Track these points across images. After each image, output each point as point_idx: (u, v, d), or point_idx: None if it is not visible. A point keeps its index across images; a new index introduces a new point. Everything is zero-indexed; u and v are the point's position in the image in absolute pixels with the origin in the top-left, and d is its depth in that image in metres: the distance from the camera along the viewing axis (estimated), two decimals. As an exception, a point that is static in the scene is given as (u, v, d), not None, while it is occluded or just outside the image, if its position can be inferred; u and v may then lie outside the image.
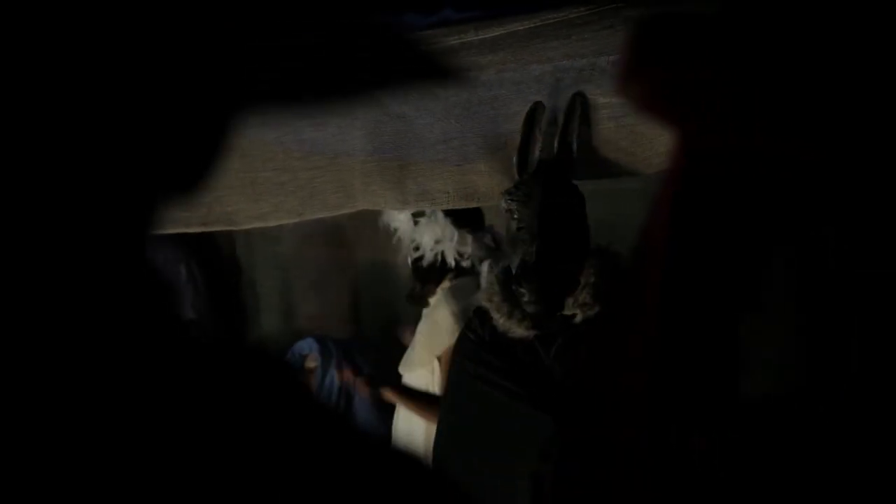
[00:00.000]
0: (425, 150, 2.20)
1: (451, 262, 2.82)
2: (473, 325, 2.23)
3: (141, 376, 0.47)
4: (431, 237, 2.83)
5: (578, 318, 2.10)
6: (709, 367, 1.01)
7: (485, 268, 2.49)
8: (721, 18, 0.95)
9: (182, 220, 2.33)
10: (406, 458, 0.56)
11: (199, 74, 0.51)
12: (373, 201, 2.31)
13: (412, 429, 2.81)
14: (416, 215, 2.82)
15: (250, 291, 4.00)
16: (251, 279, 3.99)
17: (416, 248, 2.86)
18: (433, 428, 2.46)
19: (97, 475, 0.45)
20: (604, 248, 2.15)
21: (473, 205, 2.44)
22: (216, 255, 3.81)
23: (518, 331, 2.11)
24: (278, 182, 2.29)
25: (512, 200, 2.12)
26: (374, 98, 2.14)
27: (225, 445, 0.48)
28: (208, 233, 2.69)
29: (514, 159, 2.14)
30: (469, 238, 2.82)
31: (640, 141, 2.09)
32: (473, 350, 2.22)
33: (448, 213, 2.78)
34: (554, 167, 2.12)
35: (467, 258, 2.82)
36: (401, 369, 2.90)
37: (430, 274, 2.86)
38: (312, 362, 3.41)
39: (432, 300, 2.87)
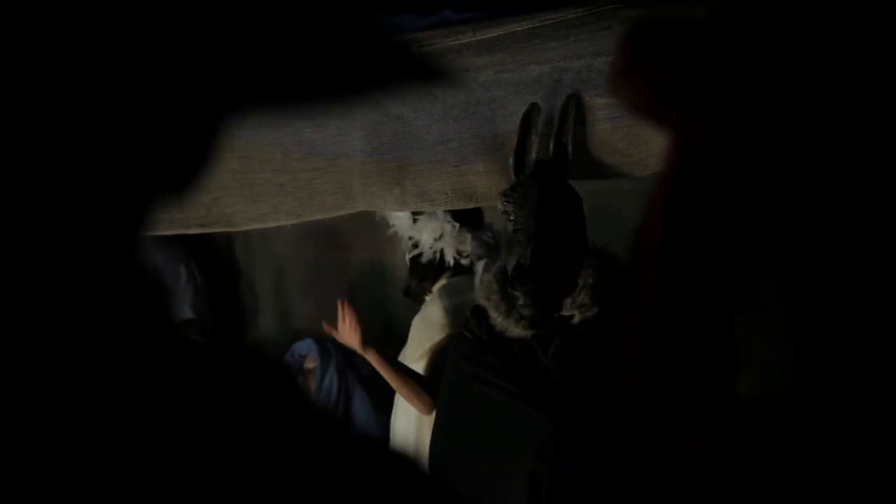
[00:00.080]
0: (423, 151, 2.20)
1: (449, 260, 2.82)
2: (471, 324, 2.23)
3: (134, 375, 0.47)
4: (431, 235, 2.83)
5: (576, 319, 2.10)
6: (706, 367, 1.01)
7: (480, 267, 2.48)
8: (717, 19, 0.95)
9: (181, 222, 2.33)
10: (403, 460, 0.56)
11: (194, 74, 0.51)
12: (372, 202, 2.31)
13: (410, 429, 2.81)
14: (416, 213, 2.82)
15: (249, 292, 4.00)
16: (250, 280, 3.99)
17: (415, 246, 2.86)
18: (430, 428, 2.46)
19: (89, 474, 0.45)
20: (601, 249, 2.15)
21: (472, 205, 2.44)
22: (215, 256, 3.81)
23: (516, 330, 2.11)
24: (277, 183, 2.28)
25: (508, 202, 2.12)
26: (372, 99, 2.14)
27: (221, 445, 0.48)
28: (207, 234, 2.70)
29: (511, 160, 2.14)
30: (468, 236, 2.82)
31: (637, 142, 2.09)
32: (470, 349, 2.22)
33: (447, 211, 2.77)
34: (550, 168, 2.12)
35: (466, 256, 2.82)
36: None
37: (427, 271, 2.86)
38: (312, 363, 3.41)
39: (429, 296, 2.87)
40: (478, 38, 1.96)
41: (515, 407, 2.12)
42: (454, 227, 2.80)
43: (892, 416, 1.01)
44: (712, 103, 0.94)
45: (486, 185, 2.21)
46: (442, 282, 2.86)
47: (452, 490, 0.61)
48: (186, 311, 3.53)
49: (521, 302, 2.08)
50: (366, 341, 2.77)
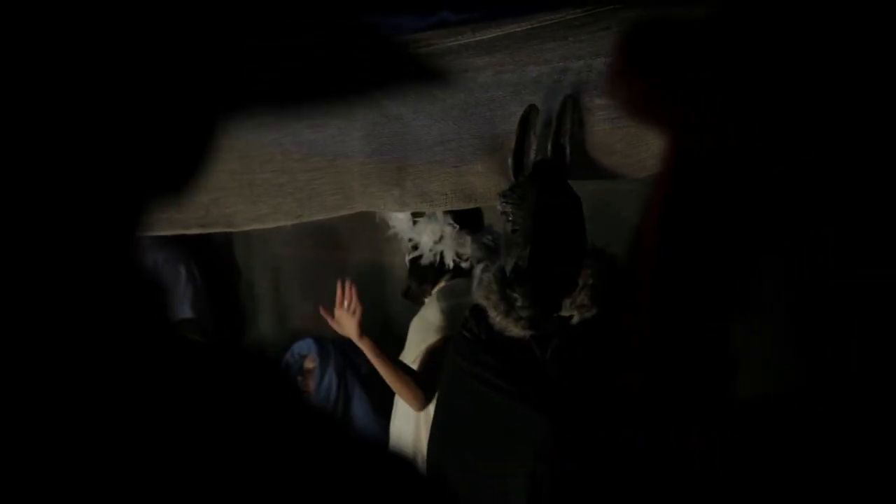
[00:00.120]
0: (423, 151, 2.21)
1: (449, 262, 2.82)
2: (469, 323, 2.23)
3: (131, 376, 0.47)
4: (430, 237, 2.83)
5: (575, 320, 2.10)
6: (705, 367, 1.01)
7: (478, 270, 2.47)
8: (715, 19, 0.95)
9: (180, 222, 2.33)
10: (401, 460, 0.56)
11: (193, 74, 0.51)
12: (371, 203, 2.31)
13: (409, 429, 2.81)
14: (416, 215, 2.82)
15: (248, 292, 4.00)
16: (249, 280, 3.99)
17: (415, 248, 2.85)
18: (429, 428, 2.47)
19: (86, 475, 0.45)
20: (601, 250, 2.15)
21: (471, 206, 2.44)
22: (215, 257, 3.82)
23: (514, 330, 2.11)
24: (277, 184, 2.28)
25: (507, 203, 2.12)
26: (372, 99, 2.14)
27: (218, 446, 0.48)
28: (207, 234, 2.70)
29: (510, 161, 2.13)
30: (468, 239, 2.82)
31: (636, 142, 2.09)
32: (469, 348, 2.22)
33: (448, 213, 2.77)
34: (549, 169, 2.12)
35: (466, 259, 2.82)
36: None
37: (427, 274, 2.86)
38: (311, 363, 3.41)
39: (427, 299, 2.87)
40: (477, 38, 1.96)
41: (514, 407, 2.12)
42: (454, 229, 2.80)
43: (892, 417, 1.01)
44: (710, 104, 0.94)
45: (486, 186, 2.22)
46: (441, 284, 2.86)
47: (450, 489, 0.61)
48: (186, 311, 3.53)
49: (519, 303, 2.08)
50: (363, 329, 2.74)
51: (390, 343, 3.08)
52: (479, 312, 2.19)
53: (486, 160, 2.20)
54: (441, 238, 2.82)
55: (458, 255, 2.82)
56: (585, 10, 1.83)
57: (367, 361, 2.82)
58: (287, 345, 3.53)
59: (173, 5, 0.49)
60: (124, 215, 0.51)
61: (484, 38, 1.93)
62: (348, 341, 2.87)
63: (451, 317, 2.68)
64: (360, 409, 3.35)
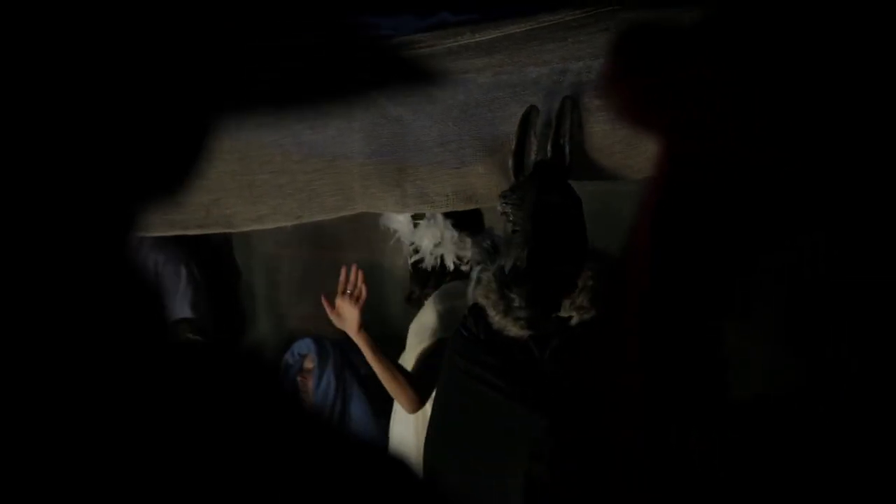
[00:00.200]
0: (423, 152, 2.20)
1: (450, 265, 2.82)
2: (468, 322, 2.22)
3: (127, 377, 0.47)
4: (431, 240, 2.82)
5: (574, 321, 2.10)
6: (701, 368, 1.01)
7: (474, 274, 2.46)
8: (706, 27, 0.95)
9: (180, 223, 2.33)
10: (398, 461, 0.56)
11: (190, 74, 0.51)
12: (372, 204, 2.31)
13: (409, 431, 2.80)
14: (416, 218, 2.81)
15: (248, 292, 4.00)
16: (248, 280, 3.99)
17: (416, 251, 2.85)
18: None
19: (82, 475, 0.44)
20: (602, 252, 2.15)
21: (473, 206, 2.43)
22: (215, 257, 3.82)
23: (513, 330, 2.11)
24: (276, 184, 2.28)
25: (506, 203, 2.12)
26: (371, 100, 2.14)
27: (214, 447, 0.48)
28: (206, 235, 2.69)
29: (510, 162, 2.13)
30: (468, 241, 2.82)
31: (636, 144, 2.09)
32: (467, 347, 2.21)
33: (448, 216, 2.77)
34: (548, 170, 2.11)
35: (466, 262, 2.81)
36: None
37: (430, 278, 2.85)
38: (310, 363, 3.42)
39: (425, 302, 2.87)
40: (476, 39, 1.96)
41: (512, 406, 2.12)
42: (454, 232, 2.80)
43: (888, 416, 1.01)
44: (701, 110, 0.94)
45: (487, 187, 2.21)
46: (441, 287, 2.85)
47: (448, 489, 0.61)
48: (187, 311, 3.53)
49: (516, 303, 2.07)
50: (363, 322, 2.69)
51: (389, 344, 3.08)
52: (478, 311, 2.19)
53: (486, 161, 2.19)
54: (441, 241, 2.82)
55: (459, 258, 2.81)
56: (585, 11, 1.83)
57: (366, 362, 2.81)
58: (286, 345, 3.53)
59: (173, 5, 0.49)
60: (119, 215, 0.51)
61: (483, 39, 1.93)
62: (347, 341, 2.84)
63: (447, 319, 2.67)
64: (358, 410, 3.35)
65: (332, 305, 2.75)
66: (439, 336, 2.67)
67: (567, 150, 2.10)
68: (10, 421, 0.44)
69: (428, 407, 2.63)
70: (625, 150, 2.11)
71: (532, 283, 2.06)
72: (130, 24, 0.47)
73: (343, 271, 2.76)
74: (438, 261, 2.82)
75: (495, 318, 2.12)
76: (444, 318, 2.70)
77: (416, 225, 2.83)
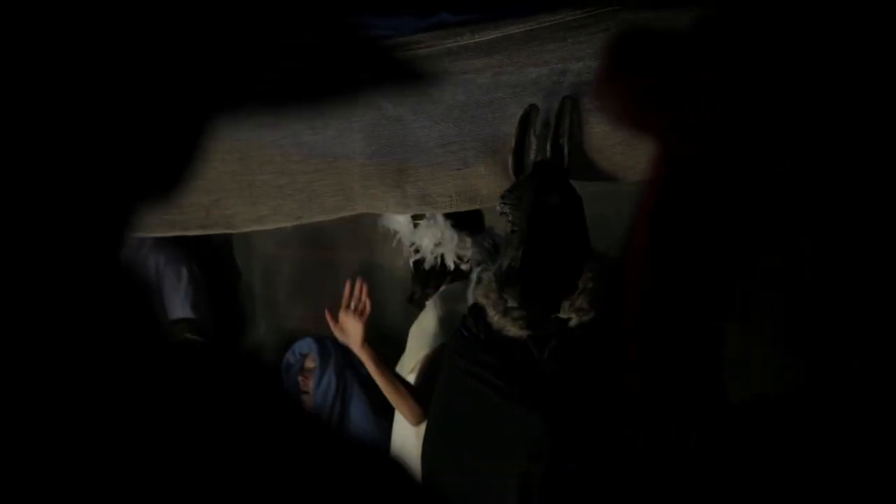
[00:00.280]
0: (424, 153, 2.20)
1: (450, 265, 2.82)
2: (468, 322, 2.22)
3: (123, 378, 0.47)
4: (431, 240, 2.82)
5: (573, 323, 2.09)
6: (698, 368, 1.01)
7: (474, 275, 2.45)
8: (700, 31, 0.96)
9: (181, 224, 2.33)
10: (395, 463, 0.56)
11: (192, 74, 0.51)
12: (373, 205, 2.31)
13: (410, 433, 2.80)
14: (416, 218, 2.81)
15: (248, 292, 4.00)
16: (248, 281, 3.99)
17: (416, 251, 2.85)
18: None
19: (77, 476, 0.44)
20: (603, 253, 2.14)
21: (476, 207, 2.43)
22: (215, 257, 3.82)
23: (512, 330, 2.10)
24: (276, 185, 2.28)
25: (505, 203, 2.12)
26: (371, 100, 2.14)
27: (212, 447, 0.48)
28: (206, 235, 2.70)
29: (510, 162, 2.13)
30: (469, 241, 2.81)
31: (636, 144, 2.09)
32: (466, 347, 2.21)
33: (448, 216, 2.77)
34: (547, 170, 2.11)
35: (467, 261, 2.81)
36: (396, 371, 2.89)
37: (430, 277, 2.85)
38: (311, 362, 3.42)
39: (427, 303, 2.87)
40: (476, 40, 1.96)
41: (510, 406, 2.12)
42: (454, 232, 2.80)
43: (888, 416, 1.01)
44: (701, 111, 0.94)
45: (489, 188, 2.21)
46: (442, 288, 2.85)
47: (447, 488, 0.61)
48: (188, 312, 3.54)
49: (510, 303, 2.07)
50: (367, 336, 2.68)
51: (388, 345, 3.08)
52: (477, 311, 2.18)
53: (488, 162, 2.19)
54: (441, 241, 2.82)
55: (459, 258, 2.81)
56: (585, 11, 1.83)
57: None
58: (287, 345, 3.53)
59: (173, 5, 0.49)
60: (116, 215, 0.51)
61: (483, 39, 1.93)
62: None
63: (447, 324, 2.66)
64: (358, 410, 3.35)
65: (336, 319, 2.75)
66: (440, 342, 2.66)
67: (566, 150, 2.09)
68: (7, 422, 0.44)
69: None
70: (625, 150, 2.11)
71: (525, 283, 2.05)
72: (129, 23, 0.47)
73: (347, 285, 2.75)
74: (439, 260, 2.82)
75: (495, 317, 2.11)
76: (445, 322, 2.69)
77: (416, 225, 2.83)
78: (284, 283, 3.93)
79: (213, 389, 0.50)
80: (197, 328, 3.47)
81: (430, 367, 2.66)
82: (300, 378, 3.40)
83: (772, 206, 0.98)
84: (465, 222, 2.79)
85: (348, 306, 2.71)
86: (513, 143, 2.11)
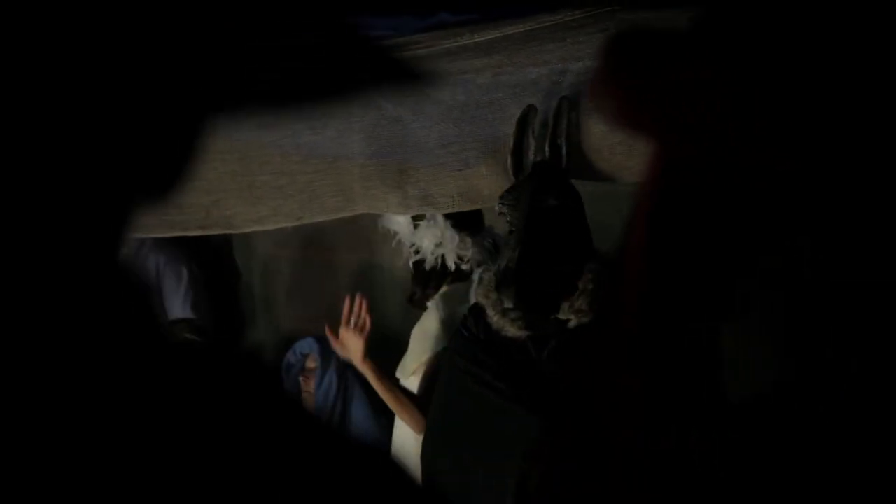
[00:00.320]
0: (425, 154, 2.20)
1: (451, 265, 2.82)
2: (468, 322, 2.22)
3: (122, 377, 0.47)
4: (431, 241, 2.82)
5: (572, 324, 2.08)
6: (698, 368, 1.01)
7: (476, 274, 2.46)
8: (697, 30, 0.96)
9: (181, 224, 2.33)
10: (396, 463, 0.56)
11: (189, 75, 0.51)
12: (373, 205, 2.31)
13: (410, 433, 2.80)
14: (416, 218, 2.81)
15: (248, 293, 4.00)
16: (248, 281, 3.99)
17: (417, 252, 2.85)
18: None
19: (76, 476, 0.44)
20: (604, 255, 2.13)
21: (479, 207, 2.43)
22: (216, 258, 3.83)
23: (511, 330, 2.10)
24: (276, 185, 2.28)
25: (503, 204, 2.11)
26: (371, 101, 2.14)
27: (212, 448, 0.48)
28: (206, 236, 2.70)
29: (509, 162, 2.13)
30: (469, 241, 2.81)
31: (635, 145, 2.09)
32: (466, 347, 2.21)
33: (448, 216, 2.77)
34: (545, 170, 2.10)
35: (467, 261, 2.81)
36: (397, 374, 2.89)
37: (431, 278, 2.85)
38: (313, 362, 3.42)
39: (429, 304, 2.87)
40: (475, 40, 1.96)
41: (508, 407, 2.12)
42: (454, 232, 2.80)
43: (889, 416, 1.01)
44: (701, 111, 0.94)
45: (492, 188, 2.20)
46: (443, 289, 2.85)
47: (446, 488, 0.61)
48: (188, 312, 3.54)
49: (505, 304, 2.06)
50: (368, 351, 2.72)
51: (388, 346, 3.08)
52: (478, 311, 2.18)
53: (489, 163, 2.19)
54: (442, 241, 2.81)
55: (460, 258, 2.81)
56: (584, 11, 1.83)
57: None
58: (286, 345, 3.53)
59: (173, 5, 0.49)
60: (113, 215, 0.51)
61: (482, 39, 1.93)
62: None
63: (449, 326, 2.66)
64: (359, 409, 3.36)
65: (336, 335, 2.77)
66: (443, 344, 2.66)
67: (564, 150, 2.08)
68: (6, 422, 0.44)
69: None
70: (625, 151, 2.11)
71: (520, 284, 2.04)
72: (129, 23, 0.47)
73: (347, 301, 2.77)
74: (439, 261, 2.82)
75: (494, 318, 2.11)
76: (448, 323, 2.69)
77: (416, 226, 2.83)
78: (284, 283, 3.94)
79: (213, 390, 0.50)
80: (197, 328, 3.47)
81: (434, 371, 2.66)
82: (301, 378, 3.41)
83: (772, 206, 0.98)
84: (465, 222, 2.79)
85: (348, 322, 2.73)
86: (511, 144, 2.11)
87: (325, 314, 2.95)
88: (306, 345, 3.43)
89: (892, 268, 0.98)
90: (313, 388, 3.35)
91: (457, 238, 2.80)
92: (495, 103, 2.13)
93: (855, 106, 0.93)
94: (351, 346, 2.74)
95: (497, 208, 2.14)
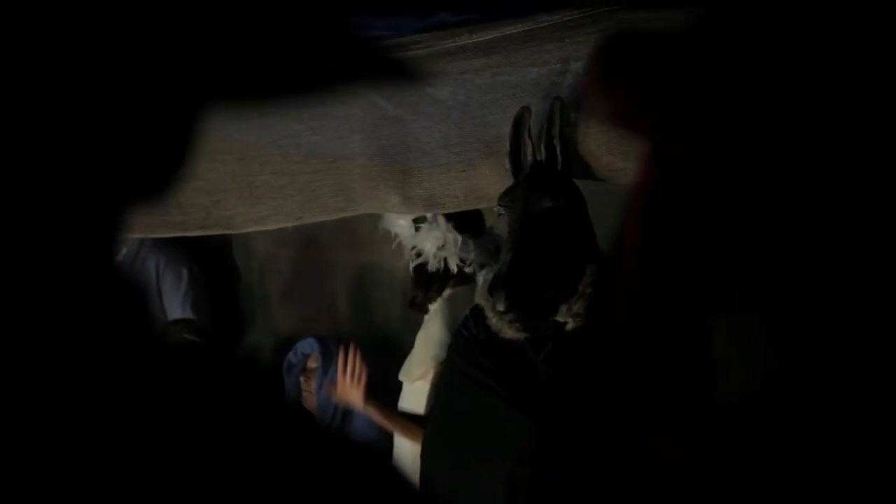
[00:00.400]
0: (427, 154, 2.20)
1: (453, 268, 2.80)
2: (469, 322, 2.22)
3: (122, 378, 0.47)
4: (434, 244, 2.81)
5: (570, 327, 2.06)
6: (697, 368, 1.01)
7: (480, 279, 2.45)
8: (693, 29, 0.95)
9: (181, 224, 2.33)
10: (395, 464, 0.56)
11: (187, 75, 0.50)
12: (377, 205, 2.31)
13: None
14: (417, 221, 2.80)
15: (247, 293, 4.00)
16: (248, 281, 3.99)
17: (418, 255, 2.83)
18: None
19: (75, 477, 0.44)
20: (606, 256, 2.11)
21: (483, 206, 2.42)
22: (216, 258, 3.83)
23: (509, 332, 2.09)
24: (277, 185, 2.28)
25: (501, 206, 2.10)
26: (371, 100, 2.14)
27: (211, 448, 0.48)
28: (207, 236, 2.70)
29: (507, 164, 2.12)
30: (471, 244, 2.80)
31: (631, 144, 2.08)
32: (466, 347, 2.21)
33: (449, 219, 2.76)
34: (541, 172, 2.08)
35: (470, 264, 2.80)
36: (401, 377, 2.89)
37: (433, 281, 2.84)
38: (314, 362, 3.42)
39: (433, 307, 2.85)
40: (474, 40, 1.96)
41: (504, 408, 2.11)
42: (456, 235, 2.79)
43: (889, 416, 1.01)
44: (687, 113, 0.94)
45: (495, 188, 2.19)
46: (446, 293, 2.83)
47: (446, 488, 0.61)
48: (188, 312, 3.54)
49: (499, 307, 2.04)
50: (367, 397, 2.79)
51: (388, 347, 3.08)
52: (478, 312, 2.18)
53: (492, 163, 2.18)
54: (444, 244, 2.80)
55: (462, 261, 2.80)
56: (583, 11, 1.83)
57: (368, 362, 2.82)
58: (286, 345, 3.53)
59: (173, 5, 0.49)
60: (107, 216, 0.50)
61: (481, 39, 1.93)
62: (350, 341, 2.86)
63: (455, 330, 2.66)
64: (358, 413, 3.35)
65: (335, 386, 2.85)
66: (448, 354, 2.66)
67: (558, 151, 2.07)
68: (4, 423, 0.44)
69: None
70: (625, 151, 2.11)
71: (510, 288, 2.01)
72: (129, 23, 0.47)
73: (340, 356, 2.86)
74: (442, 264, 2.81)
75: (492, 319, 2.10)
76: (453, 328, 2.67)
77: (417, 229, 2.82)
78: (284, 283, 3.94)
79: (213, 390, 0.50)
80: (197, 329, 3.47)
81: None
82: (302, 378, 3.41)
83: (772, 206, 0.98)
84: (467, 225, 2.78)
85: (344, 374, 2.83)
86: (508, 146, 2.10)
87: (325, 314, 2.96)
88: (307, 345, 3.43)
89: (892, 268, 0.98)
90: (314, 389, 3.35)
91: (459, 241, 2.79)
92: (495, 103, 2.13)
93: (855, 106, 0.93)
94: (351, 395, 2.83)
95: (496, 209, 2.13)
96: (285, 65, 1.80)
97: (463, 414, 2.22)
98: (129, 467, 0.45)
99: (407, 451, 2.73)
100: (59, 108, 0.46)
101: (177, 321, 3.45)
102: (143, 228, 2.34)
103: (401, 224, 2.83)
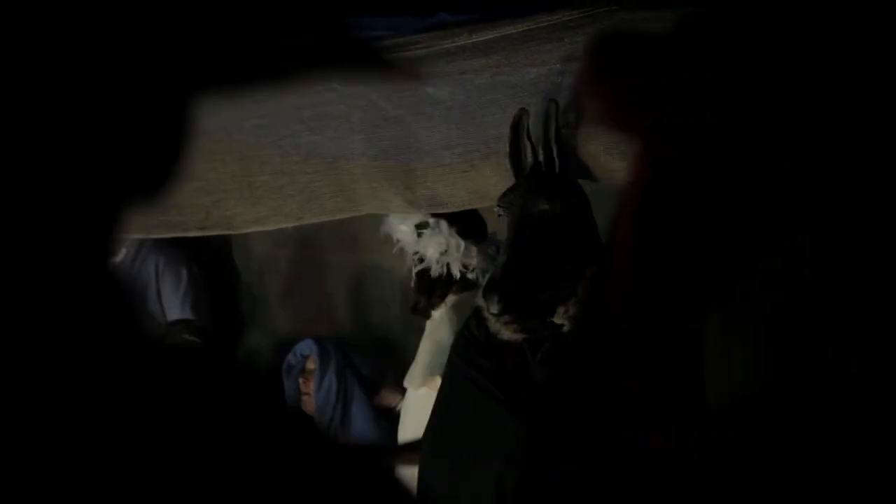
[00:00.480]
0: (429, 155, 2.20)
1: (456, 274, 2.80)
2: (471, 323, 2.22)
3: (121, 378, 0.47)
4: (436, 249, 2.80)
5: (567, 328, 2.06)
6: (696, 369, 1.01)
7: (484, 280, 2.45)
8: (702, 29, 0.95)
9: (180, 225, 2.33)
10: (387, 470, 0.56)
11: (185, 75, 0.50)
12: (380, 206, 2.30)
13: (413, 433, 2.78)
14: (420, 227, 2.79)
15: (247, 293, 4.01)
16: (248, 282, 4.00)
17: (421, 260, 2.82)
18: None
19: (74, 477, 0.44)
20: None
21: (487, 205, 2.41)
22: (216, 258, 3.83)
23: (506, 333, 2.09)
24: (276, 186, 2.29)
25: (500, 207, 2.10)
26: (370, 101, 2.14)
27: (211, 448, 0.48)
28: (207, 236, 2.70)
29: (508, 165, 2.12)
30: (474, 249, 2.79)
31: (629, 144, 2.07)
32: (466, 348, 2.21)
33: (452, 224, 2.75)
34: (538, 174, 2.08)
35: (472, 269, 2.80)
36: (405, 384, 2.88)
37: (435, 287, 2.83)
38: (312, 364, 3.42)
39: (436, 314, 2.85)
40: (473, 40, 1.96)
41: (498, 409, 2.12)
42: (459, 240, 2.78)
43: (889, 416, 1.01)
44: (686, 112, 0.94)
45: (498, 188, 2.18)
46: (450, 299, 2.83)
47: (445, 488, 0.61)
48: (187, 312, 3.54)
49: (492, 310, 2.03)
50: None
51: (389, 347, 3.08)
52: (479, 314, 2.18)
53: (494, 163, 2.18)
54: (447, 249, 2.80)
55: (465, 266, 2.80)
56: (582, 11, 1.83)
57: (368, 362, 2.81)
58: (286, 346, 3.53)
59: (173, 5, 0.49)
60: (104, 216, 0.50)
61: (480, 39, 1.93)
62: (350, 341, 2.85)
63: None
64: (359, 411, 3.36)
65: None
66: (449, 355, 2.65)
67: (555, 153, 2.06)
68: (4, 424, 0.44)
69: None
70: (623, 152, 2.11)
71: (503, 291, 2.00)
72: (129, 24, 0.47)
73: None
74: (445, 269, 2.80)
75: (491, 321, 2.10)
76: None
77: (419, 234, 2.81)
78: (284, 284, 3.94)
79: (212, 391, 0.50)
80: (196, 329, 3.48)
81: None
82: (301, 380, 3.41)
83: (772, 206, 0.98)
84: (469, 230, 2.77)
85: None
86: (507, 147, 2.09)
87: (325, 314, 2.96)
88: (306, 346, 3.43)
89: (892, 268, 0.98)
90: (313, 390, 3.35)
91: (462, 246, 2.78)
92: (495, 103, 2.13)
93: (855, 105, 0.93)
94: None
95: (496, 210, 2.13)
96: (285, 65, 1.80)
97: (462, 414, 2.22)
98: (129, 468, 0.45)
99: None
100: (58, 109, 0.46)
101: (176, 322, 3.46)
102: (143, 229, 2.34)
103: (403, 230, 2.81)
